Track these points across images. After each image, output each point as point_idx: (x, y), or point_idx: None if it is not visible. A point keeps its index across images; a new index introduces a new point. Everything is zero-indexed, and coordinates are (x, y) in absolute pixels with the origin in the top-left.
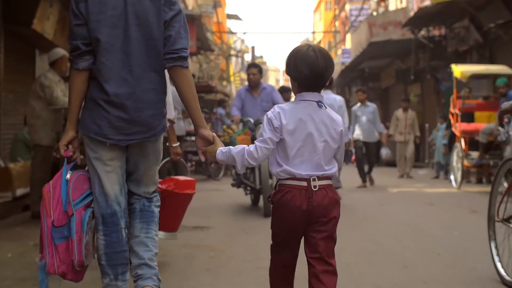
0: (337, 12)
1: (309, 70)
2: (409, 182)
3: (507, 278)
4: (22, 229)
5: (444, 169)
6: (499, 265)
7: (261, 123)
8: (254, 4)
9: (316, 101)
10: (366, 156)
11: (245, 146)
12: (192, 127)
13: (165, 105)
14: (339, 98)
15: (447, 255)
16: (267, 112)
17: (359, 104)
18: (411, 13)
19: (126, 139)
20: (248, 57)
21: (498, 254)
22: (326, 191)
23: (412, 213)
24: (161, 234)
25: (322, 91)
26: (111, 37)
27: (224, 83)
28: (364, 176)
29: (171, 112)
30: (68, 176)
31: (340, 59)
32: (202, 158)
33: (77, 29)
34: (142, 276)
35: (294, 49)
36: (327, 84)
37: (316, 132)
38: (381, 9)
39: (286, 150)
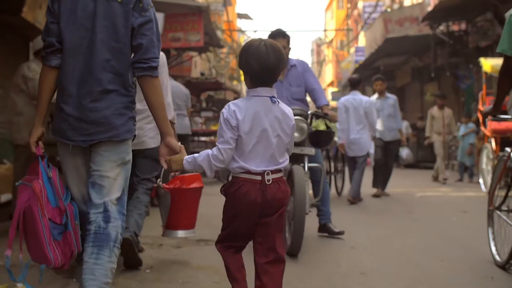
0: (349, 10)
1: (259, 65)
2: (433, 186)
3: (498, 259)
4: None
5: (469, 171)
6: (493, 249)
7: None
8: (264, 4)
9: (269, 96)
10: (385, 159)
11: (209, 151)
12: (199, 127)
13: (132, 109)
14: (365, 99)
15: (502, 280)
16: (222, 111)
17: (376, 95)
18: (428, 8)
19: (87, 139)
20: None
21: (494, 239)
22: (279, 184)
23: (446, 222)
24: (180, 232)
25: (350, 92)
26: (78, 37)
27: (235, 82)
28: (382, 182)
29: (171, 113)
30: (50, 174)
31: (354, 57)
32: (165, 166)
33: (52, 26)
34: None
35: (246, 43)
36: (353, 84)
37: (270, 128)
38: (396, 6)
39: (242, 147)
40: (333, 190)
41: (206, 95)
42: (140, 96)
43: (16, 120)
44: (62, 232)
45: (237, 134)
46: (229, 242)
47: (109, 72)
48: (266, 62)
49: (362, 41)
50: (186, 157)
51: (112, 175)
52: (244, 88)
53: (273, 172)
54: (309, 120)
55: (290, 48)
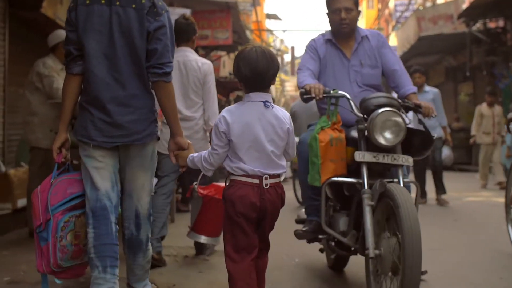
0: (380, 9)
1: (249, 70)
2: (473, 189)
3: None
4: (18, 249)
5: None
6: None
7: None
8: (293, 4)
9: (262, 101)
10: (429, 160)
11: (205, 152)
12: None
13: (154, 112)
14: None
15: None
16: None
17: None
18: (463, 5)
19: (109, 141)
20: (287, 57)
21: None
22: (275, 189)
23: (496, 232)
24: (203, 238)
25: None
26: (97, 43)
27: None
28: (441, 187)
29: (213, 121)
30: (52, 181)
31: None
32: (173, 160)
33: (70, 35)
34: None
35: (239, 50)
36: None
37: (263, 132)
38: (428, 4)
39: (235, 151)
40: None
41: (235, 95)
42: (189, 103)
43: (30, 120)
44: (45, 240)
45: (225, 140)
46: (236, 253)
47: (130, 76)
48: (256, 67)
49: (393, 40)
50: (191, 154)
51: (140, 181)
52: (273, 90)
53: (271, 176)
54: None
55: (359, 12)
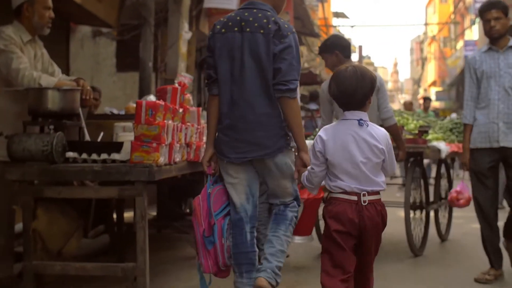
0: (456, 2)
1: (337, 90)
2: None
3: None
4: None
5: None
6: None
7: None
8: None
9: (357, 120)
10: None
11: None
12: None
13: (283, 127)
14: None
15: None
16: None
17: None
18: None
19: (240, 157)
20: (355, 57)
21: None
22: (375, 207)
23: None
24: (297, 238)
25: None
26: (230, 67)
27: None
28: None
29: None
30: (209, 190)
31: (463, 52)
32: (296, 176)
33: (209, 60)
34: (259, 269)
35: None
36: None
37: (358, 151)
38: None
39: (332, 169)
40: None
41: (302, 88)
42: None
43: None
44: (212, 243)
45: (322, 159)
46: (332, 267)
47: (258, 96)
48: (343, 87)
49: (469, 35)
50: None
51: (281, 186)
52: None
53: (369, 193)
54: None
55: (510, 19)
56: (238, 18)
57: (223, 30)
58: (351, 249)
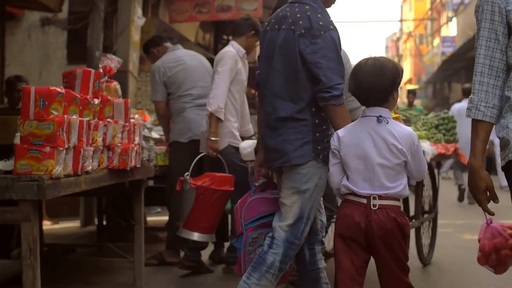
0: None
1: (354, 85)
2: None
3: None
4: None
5: None
6: None
7: None
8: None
9: (376, 116)
10: None
11: None
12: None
13: (308, 133)
14: None
15: None
16: None
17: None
18: None
19: (269, 164)
20: None
21: None
22: (388, 212)
23: None
24: (196, 235)
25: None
26: (265, 69)
27: None
28: None
29: (210, 105)
30: (250, 198)
31: (440, 49)
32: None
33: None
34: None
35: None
36: (467, 93)
37: (374, 149)
38: None
39: (345, 167)
40: None
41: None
42: None
43: None
44: (240, 250)
45: (338, 157)
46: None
47: (282, 99)
48: (360, 82)
49: (446, 31)
50: None
51: (288, 203)
52: None
53: (382, 197)
54: None
55: None
56: (280, 14)
57: (267, 28)
58: (358, 255)
